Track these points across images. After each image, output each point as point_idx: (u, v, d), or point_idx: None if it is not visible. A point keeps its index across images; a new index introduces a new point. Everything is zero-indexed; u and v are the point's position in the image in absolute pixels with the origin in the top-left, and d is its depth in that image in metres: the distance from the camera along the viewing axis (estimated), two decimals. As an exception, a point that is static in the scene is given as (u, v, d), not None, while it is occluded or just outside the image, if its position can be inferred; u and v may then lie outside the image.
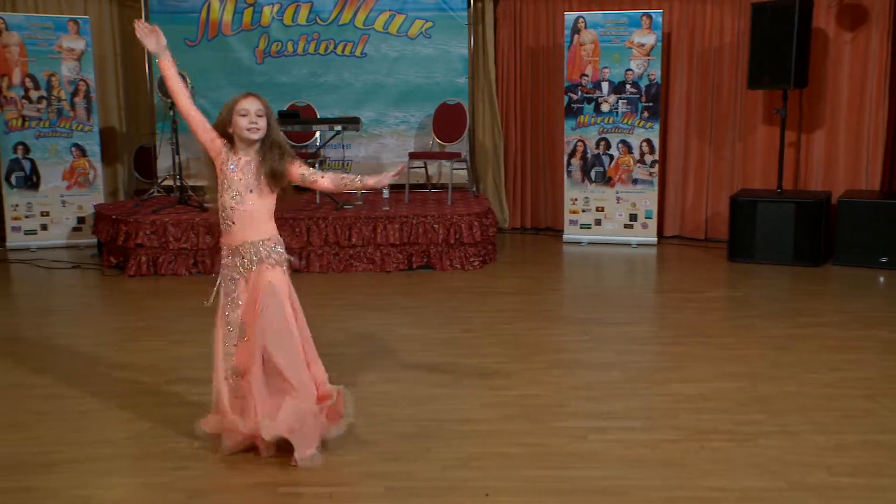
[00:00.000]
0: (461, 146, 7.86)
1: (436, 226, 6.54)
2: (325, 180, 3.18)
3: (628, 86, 7.37)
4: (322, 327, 4.44)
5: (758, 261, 6.64)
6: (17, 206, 7.57)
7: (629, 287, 6.30)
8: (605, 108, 7.45)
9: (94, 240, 7.35)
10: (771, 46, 6.65)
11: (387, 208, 6.84)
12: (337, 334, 4.80)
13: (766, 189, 7.17)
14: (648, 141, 7.40)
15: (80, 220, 7.73)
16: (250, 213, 3.10)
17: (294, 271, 3.26)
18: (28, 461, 3.21)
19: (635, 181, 7.47)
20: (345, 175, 3.21)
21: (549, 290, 6.06)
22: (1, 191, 7.58)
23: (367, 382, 4.00)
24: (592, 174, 7.56)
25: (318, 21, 8.15)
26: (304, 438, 3.11)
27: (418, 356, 4.44)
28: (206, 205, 6.78)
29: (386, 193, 7.52)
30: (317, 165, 6.99)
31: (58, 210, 7.67)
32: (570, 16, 7.48)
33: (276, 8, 8.13)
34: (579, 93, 7.50)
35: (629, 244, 7.48)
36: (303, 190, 3.33)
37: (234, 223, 3.12)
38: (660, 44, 7.28)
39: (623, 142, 7.45)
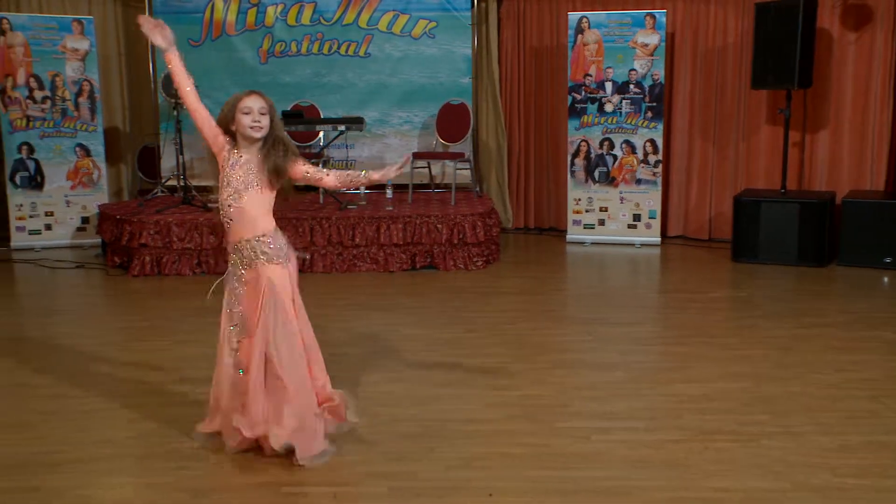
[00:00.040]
0: (465, 146, 7.86)
1: (439, 226, 6.54)
2: (329, 178, 3.19)
3: (632, 86, 7.36)
4: (326, 327, 4.45)
5: (761, 261, 6.63)
6: (21, 205, 7.58)
7: (633, 287, 6.30)
8: (608, 108, 7.45)
9: (98, 240, 7.36)
10: (775, 46, 6.63)
11: (390, 208, 6.85)
12: (340, 334, 4.80)
13: (769, 189, 7.16)
14: (652, 141, 7.39)
15: (85, 219, 7.75)
16: (247, 210, 3.09)
17: (302, 262, 3.23)
18: (32, 461, 3.21)
19: (639, 181, 7.46)
20: (349, 171, 3.21)
21: (552, 291, 6.05)
22: (5, 191, 7.60)
23: (370, 382, 4.00)
24: (596, 174, 7.56)
25: (322, 21, 8.16)
26: (306, 438, 3.11)
27: (422, 356, 4.44)
28: (209, 205, 6.79)
29: (389, 193, 7.53)
30: (320, 165, 6.98)
31: (62, 210, 7.69)
32: (573, 16, 7.48)
33: (279, 8, 8.14)
34: (583, 93, 7.50)
35: (633, 244, 7.47)
36: (307, 189, 3.34)
37: (231, 220, 3.12)
38: (663, 44, 7.27)
39: (626, 142, 7.45)
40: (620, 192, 7.51)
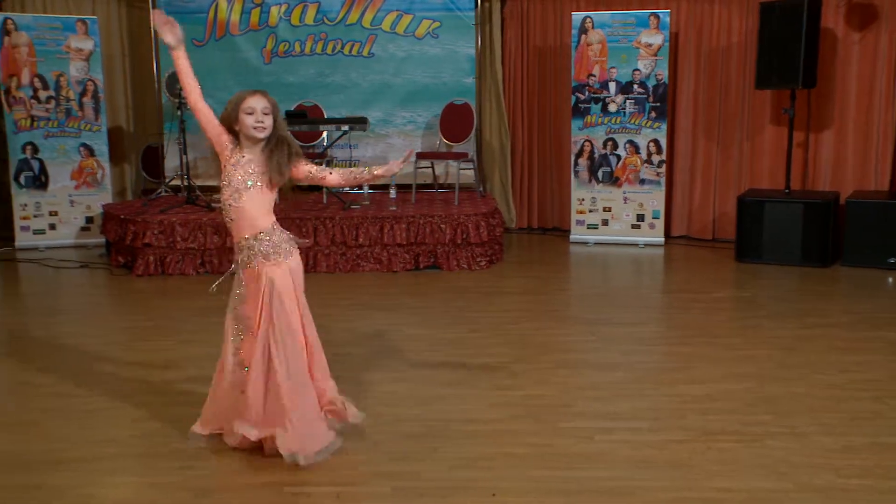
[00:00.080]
0: (468, 146, 7.86)
1: (443, 226, 6.54)
2: (332, 176, 3.19)
3: (636, 86, 7.35)
4: (329, 327, 4.46)
5: (765, 261, 6.62)
6: (25, 205, 7.60)
7: (636, 287, 6.29)
8: (612, 108, 7.44)
9: (102, 239, 7.38)
10: (779, 46, 6.62)
11: (394, 208, 6.85)
12: (344, 334, 4.80)
13: (773, 189, 7.15)
14: (656, 141, 7.38)
15: (89, 219, 7.76)
16: (247, 210, 3.09)
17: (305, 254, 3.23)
18: (35, 459, 3.22)
19: (642, 181, 7.45)
20: (353, 169, 3.22)
21: (555, 290, 6.05)
22: (10, 190, 7.61)
23: (373, 382, 4.01)
24: (599, 174, 7.55)
25: (326, 21, 8.16)
26: (308, 438, 3.11)
27: (425, 356, 4.44)
28: (213, 205, 6.80)
29: (393, 193, 7.53)
30: (324, 165, 6.98)
31: (66, 210, 7.70)
32: (577, 16, 7.48)
33: (283, 8, 8.15)
34: (586, 93, 7.49)
35: (636, 244, 7.46)
36: (310, 189, 3.34)
37: (232, 220, 3.13)
38: (667, 44, 7.26)
39: (630, 142, 7.44)
40: (624, 192, 7.50)
